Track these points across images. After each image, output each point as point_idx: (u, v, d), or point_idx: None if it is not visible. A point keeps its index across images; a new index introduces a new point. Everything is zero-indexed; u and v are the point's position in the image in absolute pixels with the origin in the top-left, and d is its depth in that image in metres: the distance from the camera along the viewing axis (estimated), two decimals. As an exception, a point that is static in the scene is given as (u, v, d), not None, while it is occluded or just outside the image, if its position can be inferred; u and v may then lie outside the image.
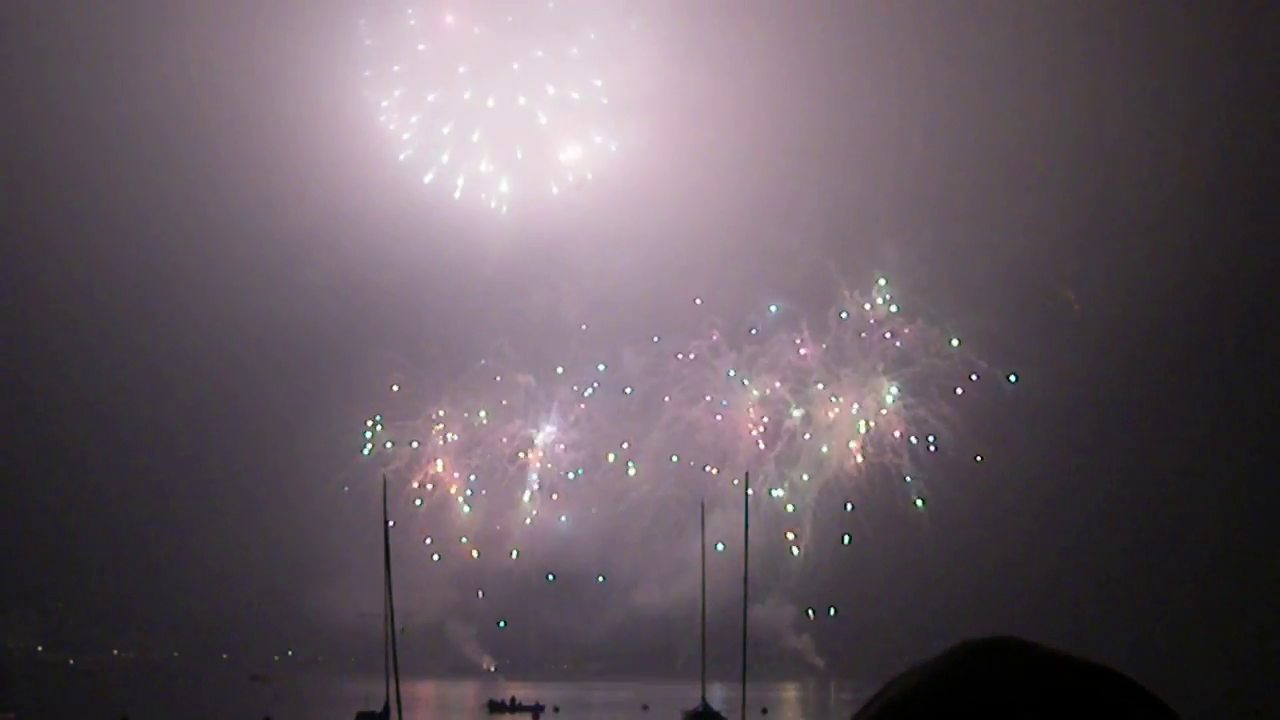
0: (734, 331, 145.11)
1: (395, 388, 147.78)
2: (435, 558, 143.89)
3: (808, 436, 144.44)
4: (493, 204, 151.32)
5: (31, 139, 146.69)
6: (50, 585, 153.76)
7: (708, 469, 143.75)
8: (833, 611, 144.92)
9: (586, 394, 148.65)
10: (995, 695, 1.30)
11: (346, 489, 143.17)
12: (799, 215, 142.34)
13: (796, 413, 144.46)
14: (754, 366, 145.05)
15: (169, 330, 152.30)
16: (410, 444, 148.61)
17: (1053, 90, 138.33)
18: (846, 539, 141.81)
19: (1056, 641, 1.39)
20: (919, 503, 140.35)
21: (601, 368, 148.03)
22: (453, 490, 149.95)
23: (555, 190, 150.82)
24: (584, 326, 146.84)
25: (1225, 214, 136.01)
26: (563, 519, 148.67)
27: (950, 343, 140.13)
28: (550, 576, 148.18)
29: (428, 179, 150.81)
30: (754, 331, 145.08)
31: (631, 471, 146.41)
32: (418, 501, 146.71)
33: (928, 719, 1.31)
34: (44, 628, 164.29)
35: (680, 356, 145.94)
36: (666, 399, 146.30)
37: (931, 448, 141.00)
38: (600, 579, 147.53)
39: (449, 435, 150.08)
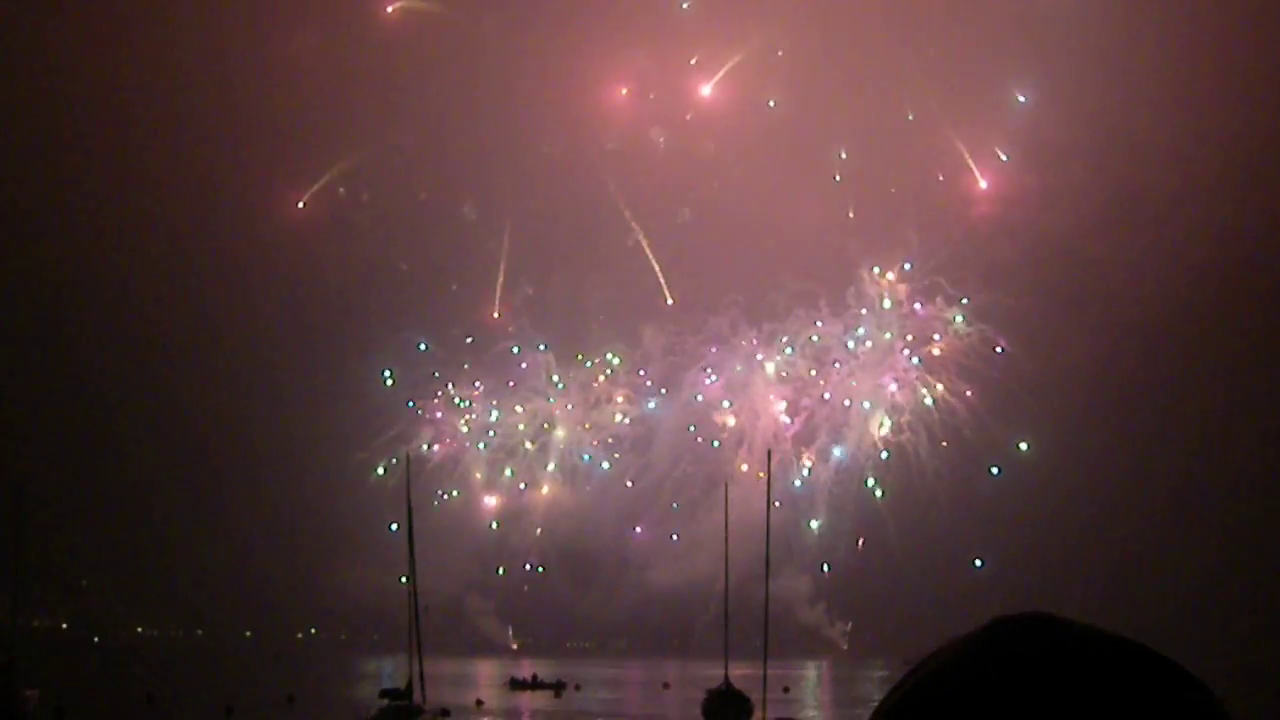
0: (754, 309, 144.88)
1: (414, 369, 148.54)
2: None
3: (826, 414, 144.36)
4: None
5: (47, 132, 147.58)
6: (75, 564, 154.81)
7: (724, 446, 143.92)
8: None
9: (606, 373, 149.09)
10: (1032, 671, 1.30)
11: (363, 455, 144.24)
12: (820, 194, 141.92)
13: (815, 390, 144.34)
14: (774, 344, 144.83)
15: (191, 310, 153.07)
16: (432, 422, 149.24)
17: (1076, 67, 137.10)
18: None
19: (1080, 618, 1.38)
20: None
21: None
22: (473, 469, 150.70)
23: None
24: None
25: (1251, 194, 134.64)
26: (581, 496, 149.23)
27: (966, 321, 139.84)
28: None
29: None
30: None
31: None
32: (441, 487, 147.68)
33: (964, 695, 1.31)
34: (68, 606, 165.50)
35: (699, 334, 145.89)
36: (685, 376, 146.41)
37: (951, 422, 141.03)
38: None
39: (470, 414, 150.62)
